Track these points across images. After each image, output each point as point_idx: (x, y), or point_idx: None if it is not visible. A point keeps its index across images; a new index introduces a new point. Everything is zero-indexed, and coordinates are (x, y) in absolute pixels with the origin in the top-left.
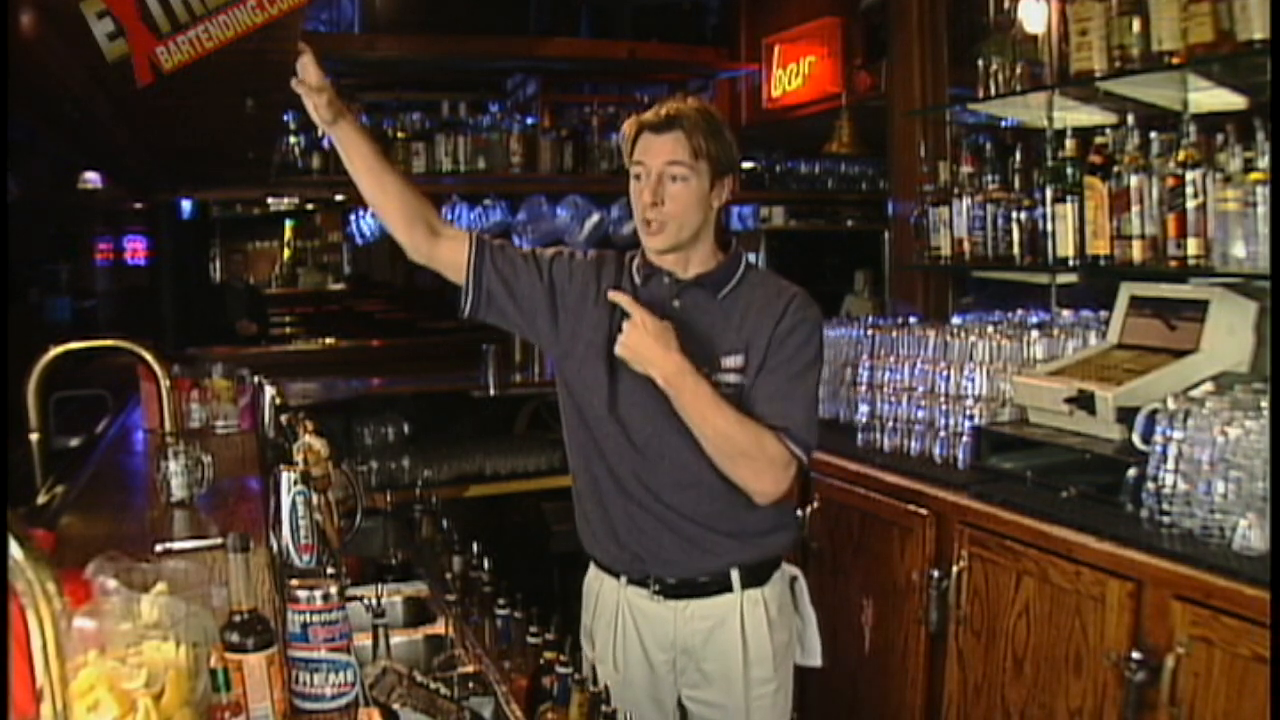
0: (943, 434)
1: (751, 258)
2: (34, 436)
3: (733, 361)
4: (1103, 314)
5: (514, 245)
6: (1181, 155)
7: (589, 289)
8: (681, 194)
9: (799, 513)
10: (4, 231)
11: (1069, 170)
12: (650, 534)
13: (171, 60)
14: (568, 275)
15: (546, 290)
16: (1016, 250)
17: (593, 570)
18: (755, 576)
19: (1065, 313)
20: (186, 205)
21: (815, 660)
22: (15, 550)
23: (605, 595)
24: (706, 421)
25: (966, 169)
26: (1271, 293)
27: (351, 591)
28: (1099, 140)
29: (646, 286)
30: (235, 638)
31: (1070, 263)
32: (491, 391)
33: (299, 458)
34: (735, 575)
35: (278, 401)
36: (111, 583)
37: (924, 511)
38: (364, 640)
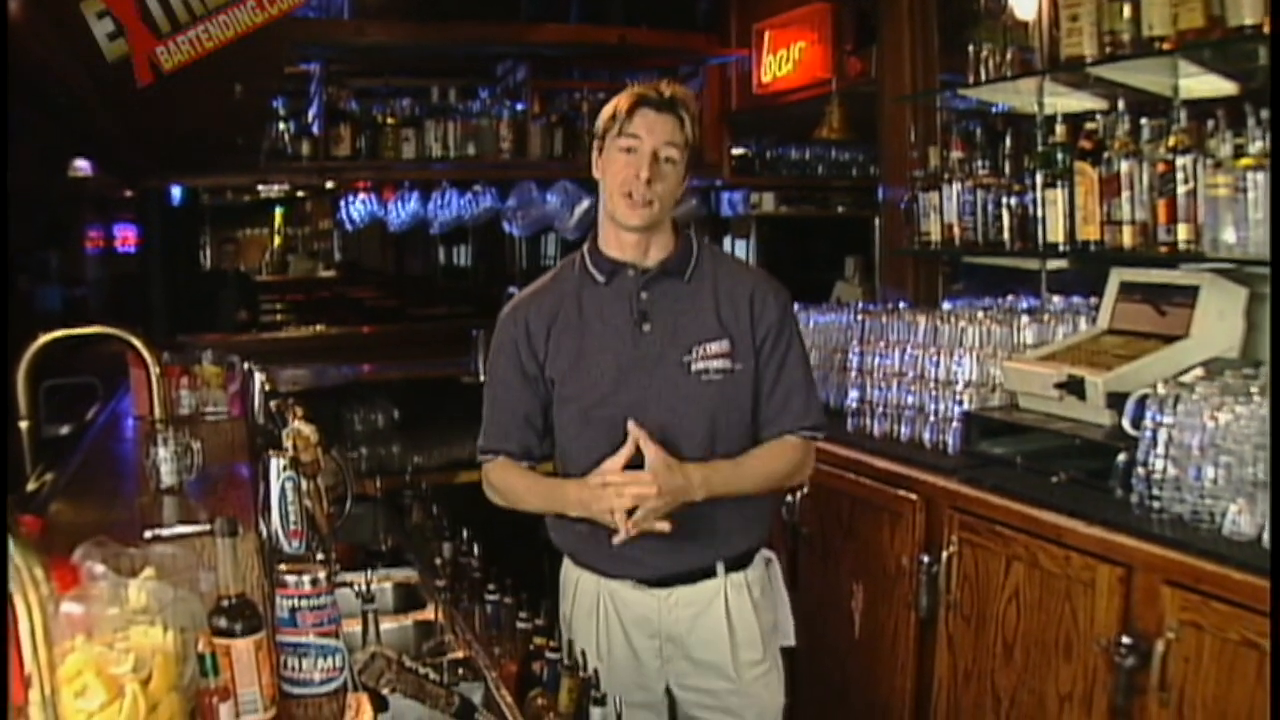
0: (932, 419)
1: (741, 244)
2: (23, 424)
3: (717, 347)
4: (1093, 300)
5: (509, 390)
6: (1172, 141)
7: (555, 321)
8: (671, 176)
9: (789, 498)
10: (4, 231)
11: (1059, 156)
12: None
13: (171, 60)
14: (526, 337)
15: (538, 373)
16: (1007, 236)
17: (568, 562)
18: (738, 561)
19: (1055, 298)
20: (176, 193)
21: (789, 640)
22: None
23: (584, 585)
24: (753, 485)
25: (957, 154)
26: (1271, 279)
27: (341, 577)
28: (1089, 126)
29: (610, 284)
30: (223, 622)
31: (1060, 248)
32: (481, 377)
33: (288, 443)
34: (719, 563)
35: (267, 388)
36: (99, 568)
37: (914, 497)
38: (353, 626)
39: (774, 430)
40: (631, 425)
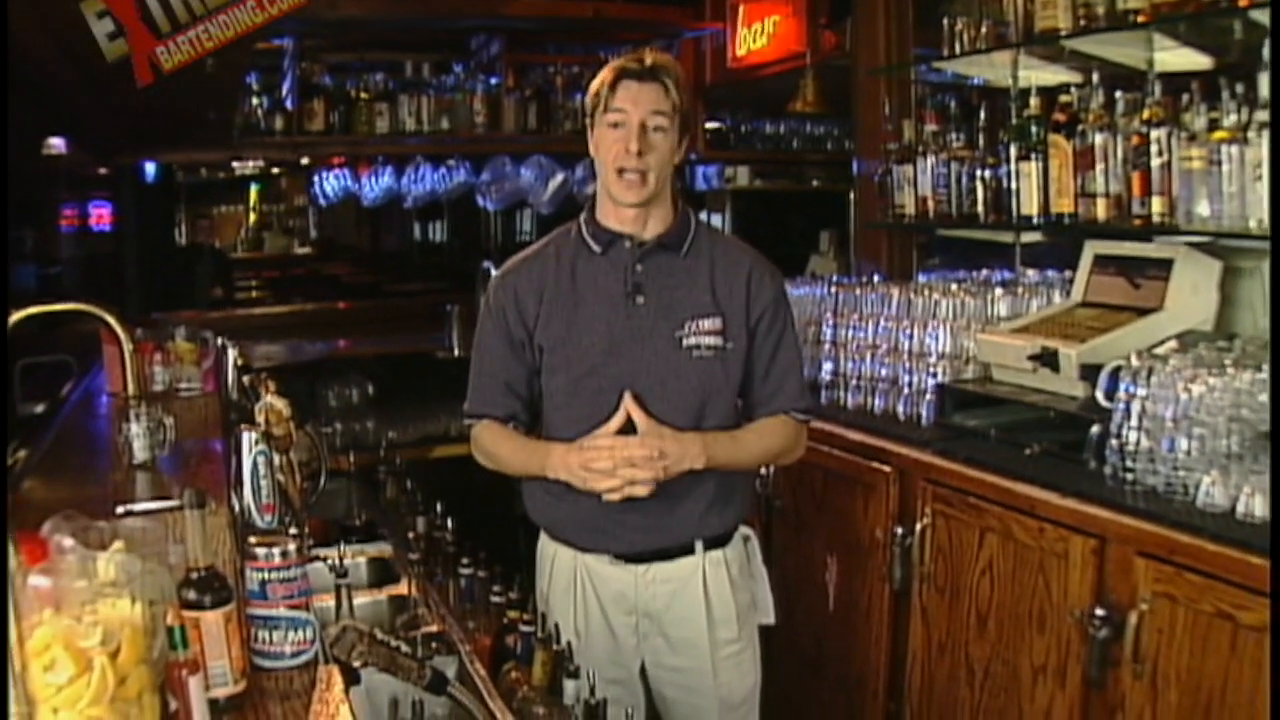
0: (906, 391)
1: (716, 218)
2: None
3: (709, 324)
4: (1067, 273)
5: (494, 357)
6: (1146, 114)
7: (547, 289)
8: (662, 145)
9: (763, 471)
10: (4, 225)
11: (1034, 129)
12: (615, 514)
13: (171, 60)
14: (515, 302)
15: (525, 339)
16: (981, 208)
17: (545, 537)
18: (717, 539)
19: (1029, 271)
20: (151, 170)
21: (768, 618)
22: None
23: (561, 560)
24: (750, 459)
25: (931, 128)
26: (1272, 253)
27: (315, 552)
28: (1064, 99)
29: (606, 254)
30: (192, 595)
31: (1034, 221)
32: (456, 352)
33: (260, 418)
34: (698, 541)
35: (240, 363)
36: (68, 541)
37: (888, 469)
38: (327, 601)
39: (768, 410)
40: (627, 395)
